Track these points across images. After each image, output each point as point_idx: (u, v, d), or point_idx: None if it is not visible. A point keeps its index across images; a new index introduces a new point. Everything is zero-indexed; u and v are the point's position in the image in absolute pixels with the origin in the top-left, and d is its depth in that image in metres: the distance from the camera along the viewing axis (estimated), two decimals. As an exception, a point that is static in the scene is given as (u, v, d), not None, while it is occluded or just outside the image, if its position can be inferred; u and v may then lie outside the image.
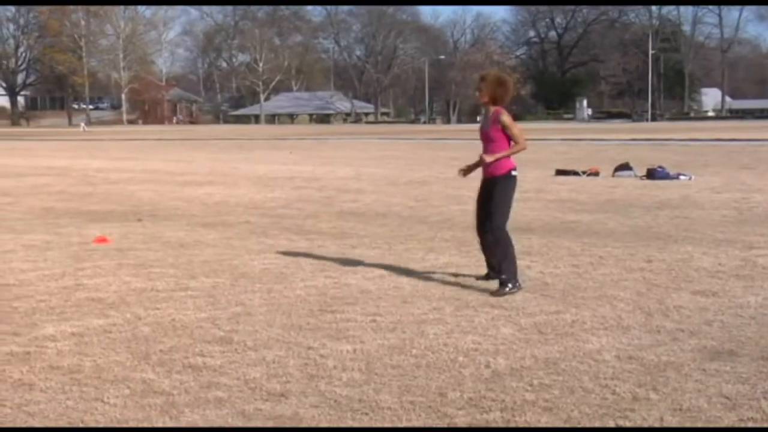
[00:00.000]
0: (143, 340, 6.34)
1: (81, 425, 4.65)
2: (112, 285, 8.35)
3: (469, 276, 8.48)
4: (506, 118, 7.78)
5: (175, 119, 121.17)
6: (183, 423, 4.66)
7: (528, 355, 5.84)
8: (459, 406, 4.87)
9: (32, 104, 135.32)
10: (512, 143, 7.85)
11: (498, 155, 7.81)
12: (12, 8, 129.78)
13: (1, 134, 75.14)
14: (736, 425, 4.54)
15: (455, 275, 8.61)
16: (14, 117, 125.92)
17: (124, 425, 4.64)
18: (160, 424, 4.64)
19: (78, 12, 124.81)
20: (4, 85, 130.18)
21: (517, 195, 8.18)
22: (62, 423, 4.69)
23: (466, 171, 8.49)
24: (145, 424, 4.65)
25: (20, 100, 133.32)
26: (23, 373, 5.58)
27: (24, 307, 7.43)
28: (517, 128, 7.85)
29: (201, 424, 4.65)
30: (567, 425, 4.55)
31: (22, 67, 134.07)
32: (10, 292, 8.09)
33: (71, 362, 5.81)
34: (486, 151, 7.88)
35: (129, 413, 4.83)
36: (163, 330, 6.63)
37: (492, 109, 7.89)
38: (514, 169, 7.97)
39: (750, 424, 4.56)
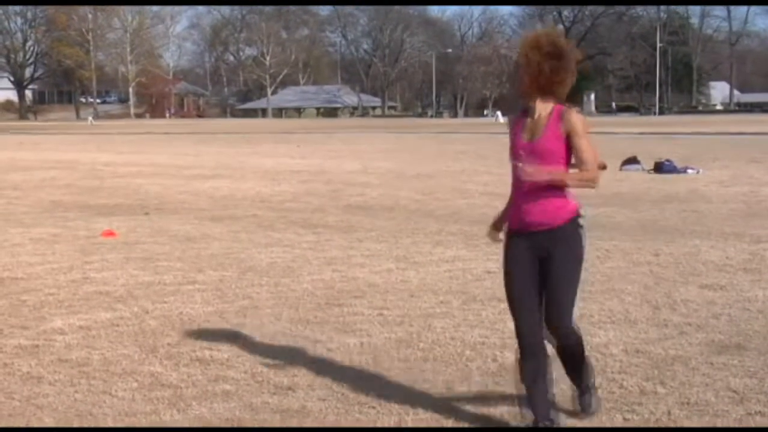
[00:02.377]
0: (151, 334, 6.35)
1: (89, 418, 4.67)
2: (119, 278, 8.36)
3: (476, 269, 8.47)
4: (579, 123, 4.19)
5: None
6: (191, 416, 4.67)
7: (535, 348, 5.82)
8: (466, 399, 4.87)
9: (40, 98, 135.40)
10: (578, 166, 4.23)
11: (557, 175, 4.17)
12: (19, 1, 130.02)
13: (9, 128, 75.24)
14: (744, 419, 4.54)
15: (462, 269, 8.60)
16: (22, 111, 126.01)
17: (132, 418, 4.65)
18: (167, 417, 4.65)
19: (85, 6, 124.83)
20: (12, 79, 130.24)
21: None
22: (70, 415, 4.71)
23: (497, 225, 4.61)
24: (153, 417, 4.66)
25: (28, 93, 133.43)
26: (32, 366, 5.60)
27: (32, 301, 7.45)
28: (590, 142, 4.25)
29: (208, 416, 4.66)
30: (575, 420, 4.55)
31: (29, 61, 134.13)
32: (19, 285, 8.12)
33: (79, 355, 5.82)
34: (521, 180, 4.19)
35: (137, 406, 4.84)
36: (171, 323, 6.64)
37: (547, 106, 4.22)
38: (582, 216, 4.34)
39: (758, 418, 4.55)
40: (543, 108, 4.19)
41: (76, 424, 4.58)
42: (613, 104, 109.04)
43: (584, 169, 4.14)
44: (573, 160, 4.14)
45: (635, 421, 4.53)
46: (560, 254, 4.18)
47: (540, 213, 4.17)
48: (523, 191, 4.18)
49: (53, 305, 7.29)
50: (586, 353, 4.49)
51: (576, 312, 4.31)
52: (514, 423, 4.48)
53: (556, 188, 4.15)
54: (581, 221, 4.25)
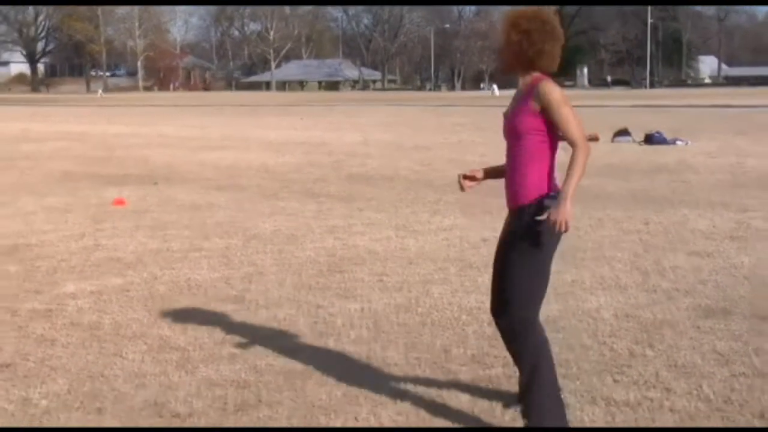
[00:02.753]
0: (159, 299, 6.36)
1: (101, 379, 4.68)
2: (129, 245, 8.37)
3: (473, 237, 8.47)
4: (557, 95, 3.83)
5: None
6: (198, 377, 4.69)
7: (529, 313, 5.84)
8: (462, 362, 4.89)
9: (51, 71, 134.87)
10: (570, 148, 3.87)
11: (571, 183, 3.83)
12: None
13: (21, 100, 75.02)
14: (728, 380, 4.55)
15: (459, 237, 8.60)
16: (34, 84, 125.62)
17: (142, 379, 4.67)
18: (176, 378, 4.67)
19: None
20: (24, 52, 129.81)
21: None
22: (83, 376, 4.72)
23: (470, 179, 4.20)
24: (162, 378, 4.68)
25: (40, 67, 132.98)
26: (45, 329, 5.61)
27: (46, 267, 7.46)
28: (572, 113, 3.84)
29: (215, 378, 4.67)
30: (567, 381, 4.56)
31: (41, 36, 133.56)
32: (33, 251, 8.12)
33: (91, 319, 5.84)
34: (508, 157, 3.98)
35: (146, 367, 4.86)
36: (179, 289, 6.65)
37: (527, 80, 3.94)
38: (550, 195, 3.91)
39: (741, 379, 4.57)
40: (523, 82, 3.92)
41: (88, 385, 4.60)
42: (609, 78, 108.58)
43: (572, 144, 3.80)
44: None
45: (625, 382, 4.55)
46: (513, 236, 3.91)
47: (509, 189, 3.93)
48: (507, 166, 3.96)
49: (66, 271, 7.30)
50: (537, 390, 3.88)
51: (541, 311, 3.94)
52: (506, 386, 4.49)
53: (533, 165, 3.85)
54: (547, 202, 3.82)
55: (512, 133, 3.90)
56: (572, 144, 3.82)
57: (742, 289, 6.42)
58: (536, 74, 3.90)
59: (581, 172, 3.82)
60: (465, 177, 4.17)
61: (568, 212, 3.76)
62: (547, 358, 3.91)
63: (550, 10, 4.06)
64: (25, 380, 4.70)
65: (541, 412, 3.86)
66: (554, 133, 3.85)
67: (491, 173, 4.20)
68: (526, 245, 3.89)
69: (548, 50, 3.90)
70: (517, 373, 4.04)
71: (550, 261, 4.03)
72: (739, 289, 6.42)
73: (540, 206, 3.84)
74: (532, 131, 3.83)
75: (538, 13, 3.93)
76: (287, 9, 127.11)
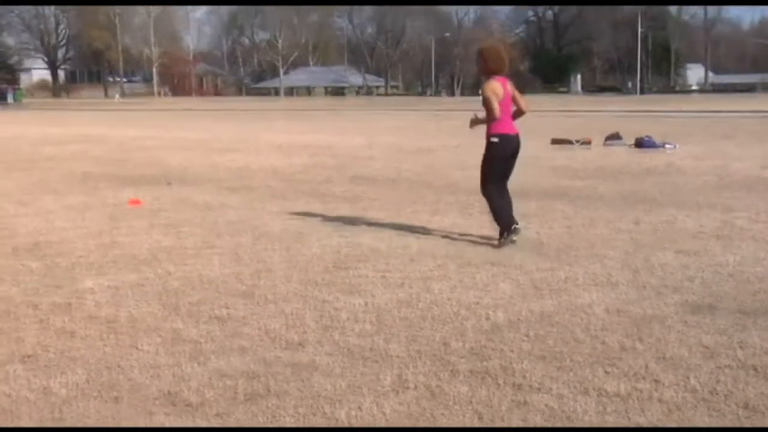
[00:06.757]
0: (173, 294, 6.36)
1: (117, 369, 4.69)
2: (144, 243, 8.37)
3: (471, 236, 8.47)
4: (485, 88, 7.83)
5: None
6: (209, 368, 4.69)
7: (525, 308, 5.84)
8: (461, 354, 4.89)
9: (71, 77, 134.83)
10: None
11: (479, 117, 8.13)
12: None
13: (43, 105, 75.05)
14: (714, 372, 4.55)
15: (459, 235, 8.60)
16: (55, 89, 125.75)
17: (156, 370, 4.67)
18: (189, 370, 4.67)
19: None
20: (45, 59, 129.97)
21: (516, 162, 8.17)
22: (101, 367, 4.73)
23: (474, 122, 8.38)
24: (176, 369, 4.68)
25: (60, 73, 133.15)
26: (65, 322, 5.62)
27: (65, 263, 7.46)
28: (493, 98, 7.76)
29: (226, 369, 4.67)
30: (560, 372, 4.56)
31: (62, 43, 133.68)
32: (53, 248, 8.13)
33: (108, 313, 5.84)
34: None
35: (160, 359, 4.86)
36: (191, 284, 6.65)
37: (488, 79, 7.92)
38: (495, 136, 7.90)
39: (727, 371, 4.56)
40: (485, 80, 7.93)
41: (105, 376, 4.60)
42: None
43: (487, 112, 7.89)
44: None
45: (615, 374, 4.54)
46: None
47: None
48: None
49: (84, 267, 7.30)
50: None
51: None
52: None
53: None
54: (494, 140, 7.97)
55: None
56: (488, 112, 7.92)
57: (727, 286, 6.41)
58: (490, 78, 7.96)
59: (486, 122, 8.00)
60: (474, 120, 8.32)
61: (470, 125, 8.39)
62: (496, 201, 8.02)
63: (498, 43, 8.64)
64: (46, 370, 4.71)
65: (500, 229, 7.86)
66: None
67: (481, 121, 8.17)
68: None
69: (498, 69, 7.96)
70: (513, 366, 4.31)
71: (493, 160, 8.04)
72: (724, 286, 6.41)
73: (489, 141, 8.09)
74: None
75: (484, 51, 8.13)
76: (295, 18, 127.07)
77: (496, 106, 7.73)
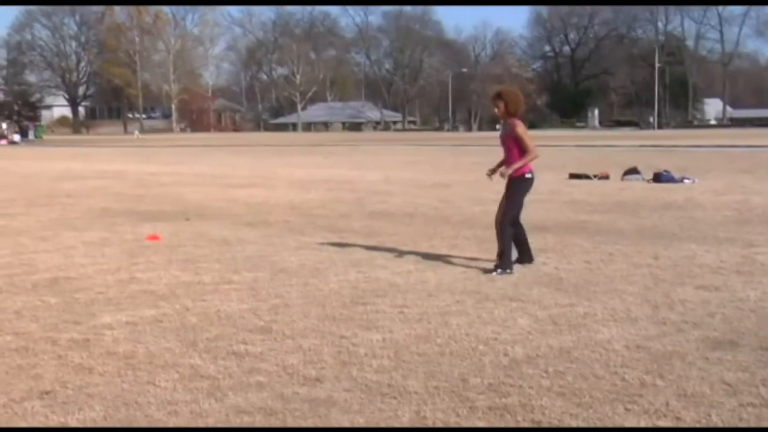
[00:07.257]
0: (191, 329, 6.37)
1: (135, 406, 4.68)
2: (162, 278, 8.39)
3: (489, 271, 8.45)
4: (520, 129, 8.27)
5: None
6: (227, 405, 4.68)
7: (543, 344, 5.80)
8: (480, 390, 4.85)
9: (92, 114, 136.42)
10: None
11: (515, 166, 8.29)
12: (74, 26, 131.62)
13: (63, 141, 75.82)
14: (737, 410, 4.49)
15: (476, 270, 8.58)
16: (76, 125, 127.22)
17: (174, 406, 4.66)
18: (206, 406, 4.66)
19: (133, 30, 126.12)
20: (66, 96, 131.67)
21: (534, 197, 8.36)
22: (118, 403, 4.72)
23: (492, 172, 8.89)
24: (193, 406, 4.67)
25: (81, 110, 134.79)
26: (83, 358, 5.63)
27: (84, 298, 7.49)
28: (529, 138, 8.28)
29: (244, 406, 4.66)
30: (580, 409, 4.52)
31: (83, 80, 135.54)
32: (72, 284, 8.16)
33: (126, 349, 5.85)
34: (505, 156, 8.48)
35: (178, 395, 4.85)
36: (209, 320, 6.65)
37: (509, 120, 8.38)
38: (530, 173, 8.42)
39: (749, 409, 4.50)
40: (508, 121, 8.45)
41: (123, 412, 4.60)
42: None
43: (528, 152, 8.27)
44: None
45: (636, 411, 4.49)
46: (507, 188, 8.53)
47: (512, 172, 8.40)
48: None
49: (103, 302, 7.32)
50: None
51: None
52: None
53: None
54: (528, 176, 8.33)
55: (507, 146, 8.42)
56: (528, 152, 8.28)
57: (749, 322, 6.35)
58: (513, 119, 8.41)
59: (524, 164, 8.28)
60: (491, 171, 8.87)
61: (505, 174, 8.37)
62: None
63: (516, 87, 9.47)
64: (64, 407, 4.71)
65: (503, 262, 8.27)
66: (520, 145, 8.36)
67: (498, 165, 8.70)
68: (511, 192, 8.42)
69: (519, 110, 8.41)
70: (531, 402, 4.09)
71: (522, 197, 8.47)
72: (745, 322, 6.35)
73: (524, 177, 8.36)
74: (514, 146, 8.31)
75: (514, 92, 8.65)
76: (313, 54, 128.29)
77: (532, 145, 8.30)
